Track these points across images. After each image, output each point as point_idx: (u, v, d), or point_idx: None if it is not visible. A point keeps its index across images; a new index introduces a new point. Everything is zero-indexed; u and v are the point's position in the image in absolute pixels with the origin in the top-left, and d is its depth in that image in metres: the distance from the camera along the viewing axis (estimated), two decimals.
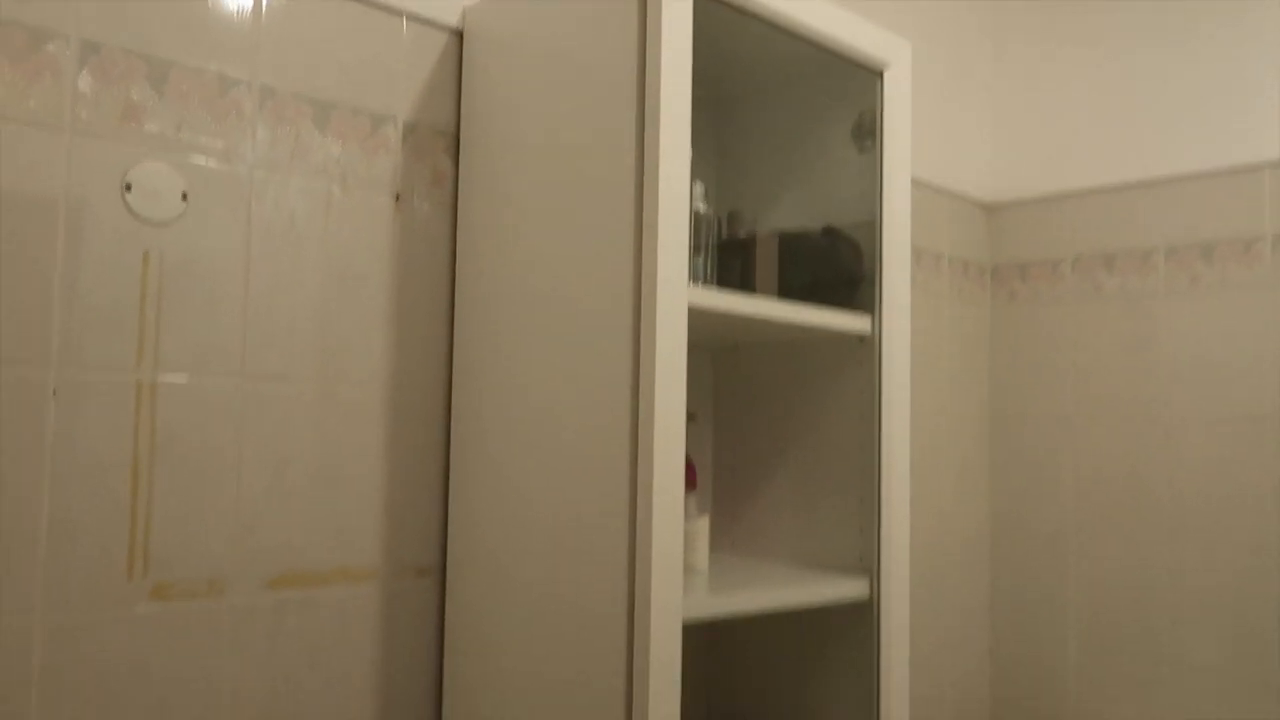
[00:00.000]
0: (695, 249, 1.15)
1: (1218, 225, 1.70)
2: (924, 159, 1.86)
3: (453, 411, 1.21)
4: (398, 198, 1.19)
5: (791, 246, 1.25)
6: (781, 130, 1.38)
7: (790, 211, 1.36)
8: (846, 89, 1.29)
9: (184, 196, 1.03)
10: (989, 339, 1.99)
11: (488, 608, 1.14)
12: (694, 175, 1.14)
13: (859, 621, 1.25)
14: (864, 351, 1.25)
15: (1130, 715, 1.75)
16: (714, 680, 1.44)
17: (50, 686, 0.93)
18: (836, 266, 1.24)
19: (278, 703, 1.07)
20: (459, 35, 1.24)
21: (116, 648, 0.97)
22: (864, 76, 1.26)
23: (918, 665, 1.75)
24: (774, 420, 1.38)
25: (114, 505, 0.97)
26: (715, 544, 1.44)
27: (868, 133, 1.26)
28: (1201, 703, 1.67)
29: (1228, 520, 1.66)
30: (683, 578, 1.02)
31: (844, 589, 1.21)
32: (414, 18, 1.20)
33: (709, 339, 1.37)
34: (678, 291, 1.00)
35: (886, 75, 1.25)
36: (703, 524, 1.26)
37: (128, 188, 0.99)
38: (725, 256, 1.24)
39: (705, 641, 1.45)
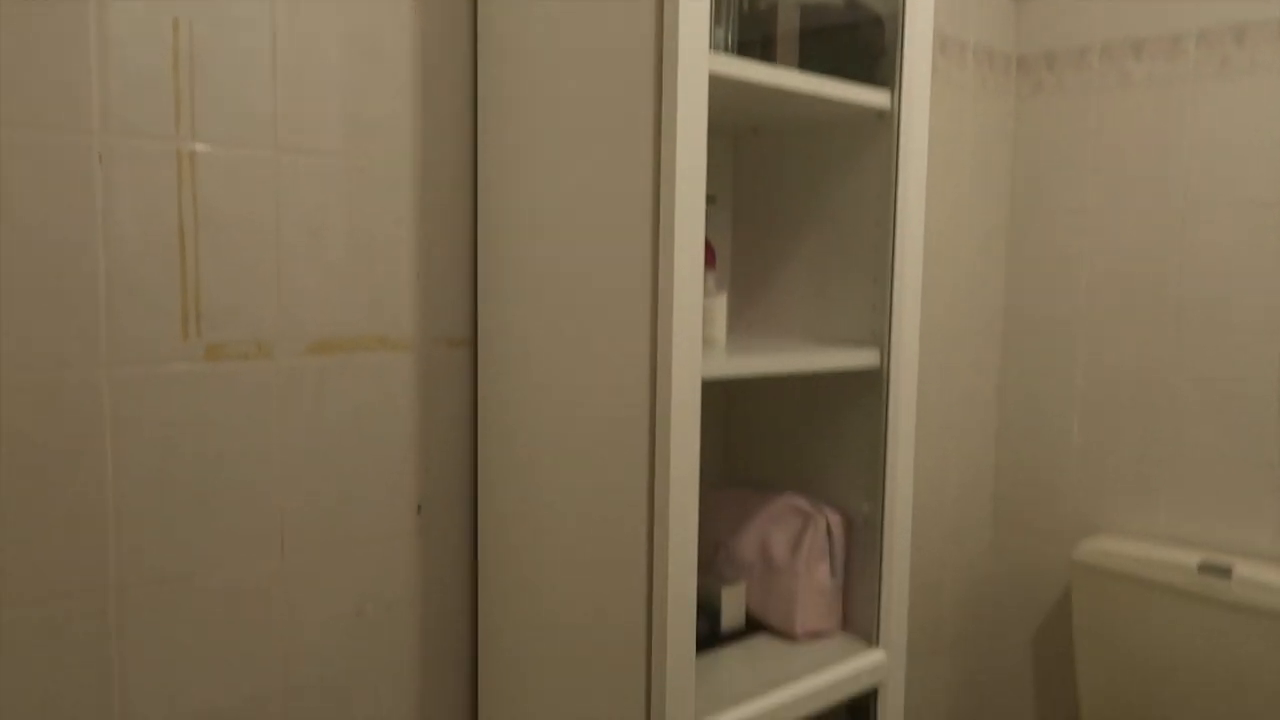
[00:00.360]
0: (716, 19, 1.15)
1: (1252, 6, 1.66)
2: None
3: (479, 187, 1.24)
4: None
5: (812, 18, 1.24)
6: None
7: None
8: None
9: None
10: (1013, 132, 1.98)
11: (518, 376, 1.22)
12: None
13: (869, 391, 1.32)
14: (883, 128, 1.26)
15: (1128, 492, 1.85)
16: (731, 444, 1.54)
17: (122, 433, 1.01)
18: (857, 39, 1.24)
19: (324, 458, 1.16)
20: None
21: (178, 402, 1.05)
22: None
23: (925, 442, 1.84)
24: (791, 203, 1.41)
25: (165, 269, 1.03)
26: (731, 326, 1.50)
27: None
28: (1198, 479, 1.76)
29: (1235, 305, 1.70)
30: (701, 344, 1.07)
31: (855, 358, 1.27)
32: None
33: (729, 121, 1.39)
34: (699, 58, 1.01)
35: None
36: (720, 300, 1.31)
37: None
38: (746, 29, 1.23)
39: (723, 409, 1.53)
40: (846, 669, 1.29)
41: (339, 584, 1.18)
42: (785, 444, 1.46)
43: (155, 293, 1.02)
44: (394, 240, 1.19)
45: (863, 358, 1.28)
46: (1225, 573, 1.61)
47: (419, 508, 1.25)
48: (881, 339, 1.29)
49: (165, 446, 1.04)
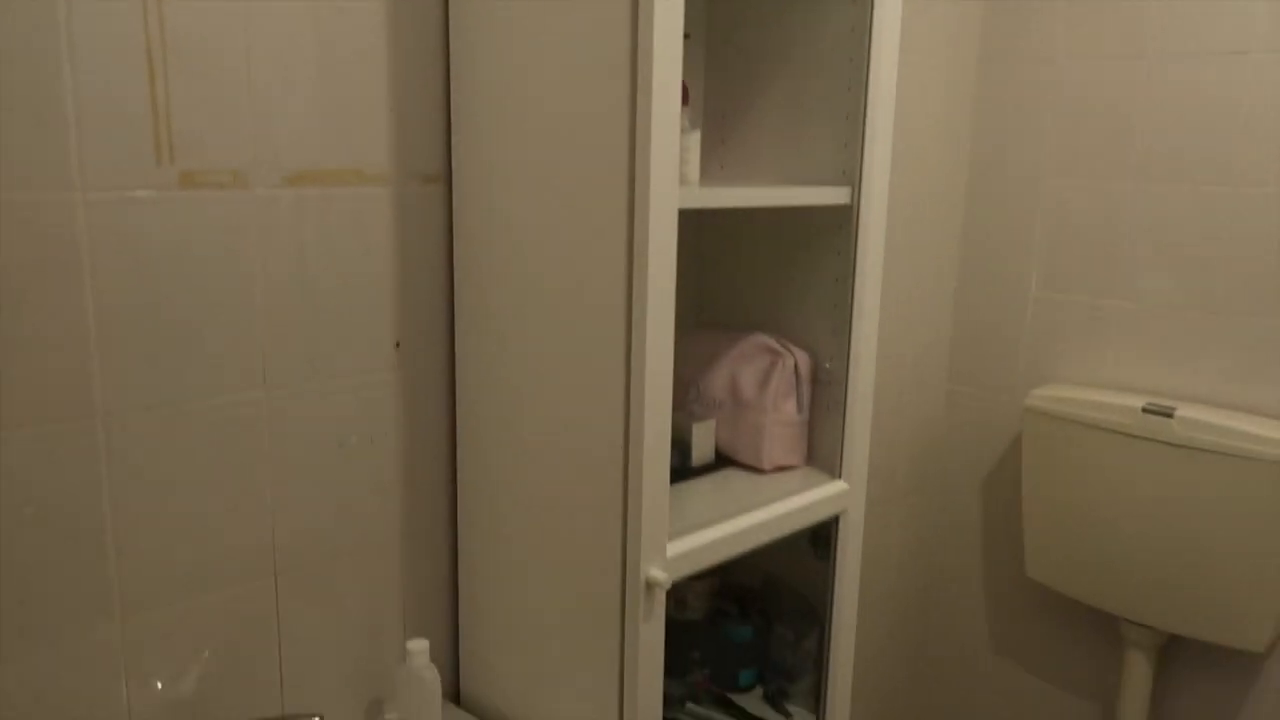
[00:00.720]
0: None
1: None
2: None
3: (450, 20, 1.22)
4: None
5: None
6: None
7: None
8: None
9: None
10: None
11: (493, 212, 1.22)
12: None
13: (839, 230, 1.35)
14: None
15: (1079, 343, 1.92)
16: (702, 287, 1.56)
17: (100, 259, 1.01)
18: None
19: (304, 290, 1.17)
20: None
21: (154, 229, 1.04)
22: None
23: (887, 296, 1.89)
24: (764, 42, 1.40)
25: (134, 91, 1.00)
26: (704, 167, 1.50)
27: None
28: (1146, 329, 1.83)
29: (1194, 154, 1.74)
30: (678, 177, 1.08)
31: (826, 195, 1.29)
32: None
33: None
34: None
35: None
36: (694, 137, 1.31)
37: None
38: None
39: (694, 252, 1.55)
40: (811, 497, 1.35)
41: (322, 416, 1.21)
42: (755, 286, 1.49)
43: (125, 115, 1.00)
44: (366, 71, 1.18)
45: (834, 195, 1.30)
46: (1167, 414, 1.69)
47: (397, 343, 1.27)
48: (853, 176, 1.31)
49: (145, 274, 1.04)
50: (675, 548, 1.18)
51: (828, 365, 1.40)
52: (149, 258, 1.04)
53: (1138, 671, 1.84)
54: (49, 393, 0.99)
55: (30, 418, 0.99)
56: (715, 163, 1.49)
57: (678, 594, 1.55)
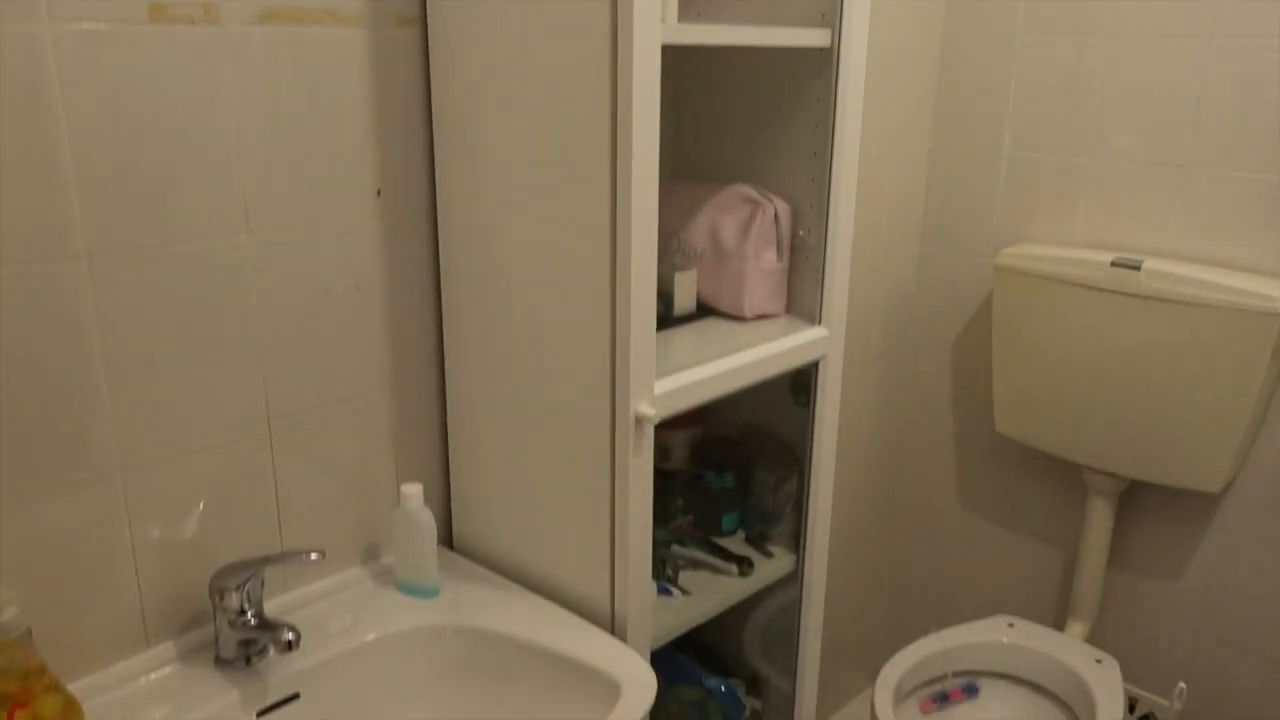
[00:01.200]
0: None
1: None
2: None
3: None
4: None
5: None
6: None
7: None
8: None
9: None
10: None
11: (470, 55, 1.20)
12: None
13: (819, 75, 1.34)
14: None
15: (1050, 203, 1.94)
16: (680, 139, 1.56)
17: (72, 95, 0.98)
18: None
19: (282, 135, 1.15)
20: None
21: (126, 64, 1.02)
22: None
23: (863, 151, 1.89)
24: None
25: None
26: (680, 16, 1.48)
27: None
28: (1114, 185, 1.85)
29: (1164, 9, 1.73)
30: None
31: (807, 37, 1.28)
32: None
33: None
34: None
35: None
36: None
37: None
38: None
39: (672, 103, 1.54)
40: (792, 342, 1.38)
41: (306, 263, 1.20)
42: (734, 137, 1.48)
43: None
44: None
45: (814, 37, 1.29)
46: (1135, 267, 1.73)
47: (378, 190, 1.26)
48: (832, 19, 1.30)
49: (119, 111, 1.02)
50: (662, 386, 1.20)
51: (802, 233, 1.41)
52: (122, 94, 1.02)
53: (1099, 517, 1.92)
54: (29, 230, 0.98)
55: (11, 257, 0.97)
56: (691, 11, 1.47)
57: (661, 445, 1.59)
